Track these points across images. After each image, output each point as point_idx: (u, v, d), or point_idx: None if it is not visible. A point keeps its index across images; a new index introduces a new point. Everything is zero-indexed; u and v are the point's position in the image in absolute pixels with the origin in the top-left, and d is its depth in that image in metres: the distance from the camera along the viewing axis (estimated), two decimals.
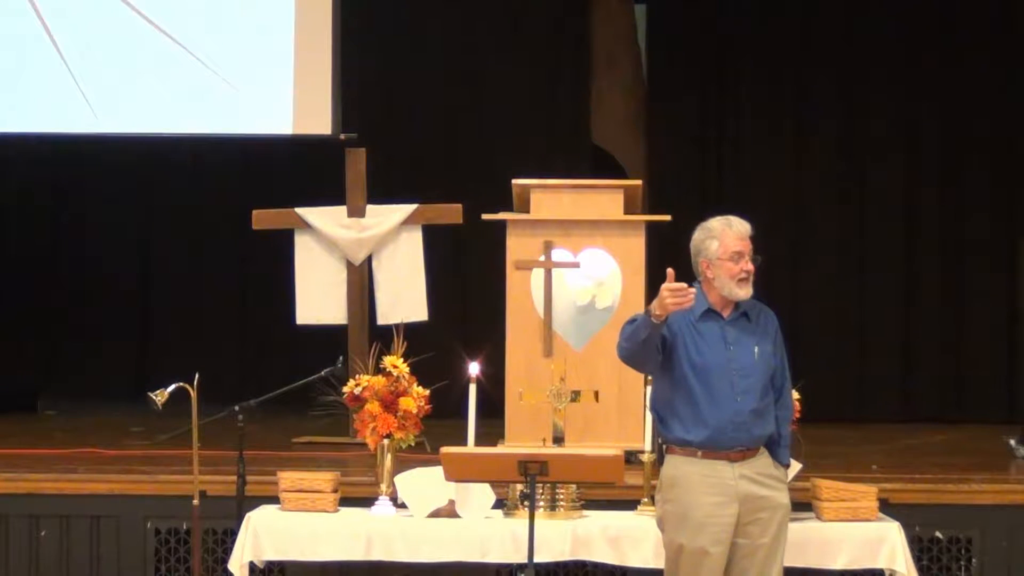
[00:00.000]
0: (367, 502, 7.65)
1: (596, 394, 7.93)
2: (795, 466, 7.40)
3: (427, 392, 7.67)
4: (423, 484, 7.49)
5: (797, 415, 7.52)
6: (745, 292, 6.63)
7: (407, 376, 7.67)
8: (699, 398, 6.61)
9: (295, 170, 11.92)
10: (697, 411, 6.61)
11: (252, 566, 7.48)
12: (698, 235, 6.70)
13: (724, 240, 6.63)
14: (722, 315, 6.67)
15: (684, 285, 6.39)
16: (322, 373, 8.33)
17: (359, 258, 10.19)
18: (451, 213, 10.19)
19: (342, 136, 10.71)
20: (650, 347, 6.49)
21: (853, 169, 12.29)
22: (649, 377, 7.35)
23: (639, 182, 9.08)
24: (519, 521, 7.24)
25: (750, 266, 6.62)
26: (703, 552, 6.60)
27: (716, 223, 6.66)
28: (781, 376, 6.77)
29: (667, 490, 6.72)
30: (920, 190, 12.27)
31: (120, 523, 8.22)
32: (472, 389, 7.50)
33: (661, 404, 6.72)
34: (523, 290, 8.71)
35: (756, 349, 6.65)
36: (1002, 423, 10.94)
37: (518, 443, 8.30)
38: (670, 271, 6.43)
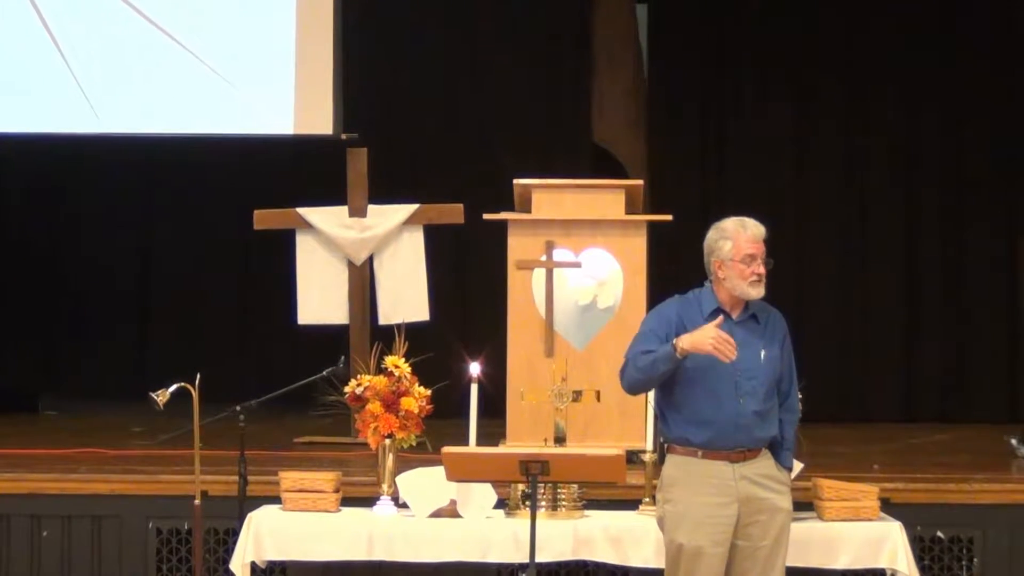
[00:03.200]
0: (369, 502, 7.65)
1: (598, 394, 7.93)
2: (796, 466, 7.39)
3: (428, 392, 7.67)
4: (424, 484, 7.49)
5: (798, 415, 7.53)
6: (757, 292, 6.63)
7: (408, 376, 7.67)
8: (702, 398, 6.61)
9: (296, 170, 11.92)
10: (699, 411, 6.62)
11: (254, 566, 7.48)
12: (712, 235, 6.70)
13: (737, 242, 6.62)
14: (731, 316, 6.66)
15: (731, 340, 6.44)
16: (323, 373, 8.33)
17: (360, 258, 10.19)
18: (452, 213, 10.19)
19: (343, 136, 10.72)
20: (663, 379, 6.58)
21: (853, 169, 12.30)
22: None
23: (640, 182, 9.08)
24: (520, 521, 7.24)
25: (762, 269, 6.62)
26: (702, 552, 6.60)
27: (730, 224, 6.66)
28: (788, 380, 6.75)
29: (667, 489, 6.73)
30: (920, 190, 12.27)
31: (122, 523, 8.22)
32: (473, 389, 7.50)
33: (664, 403, 6.73)
34: (524, 290, 8.71)
35: (763, 352, 6.64)
36: (1003, 423, 10.96)
37: (519, 443, 8.30)
38: (720, 318, 6.53)
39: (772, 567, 6.67)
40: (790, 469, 6.80)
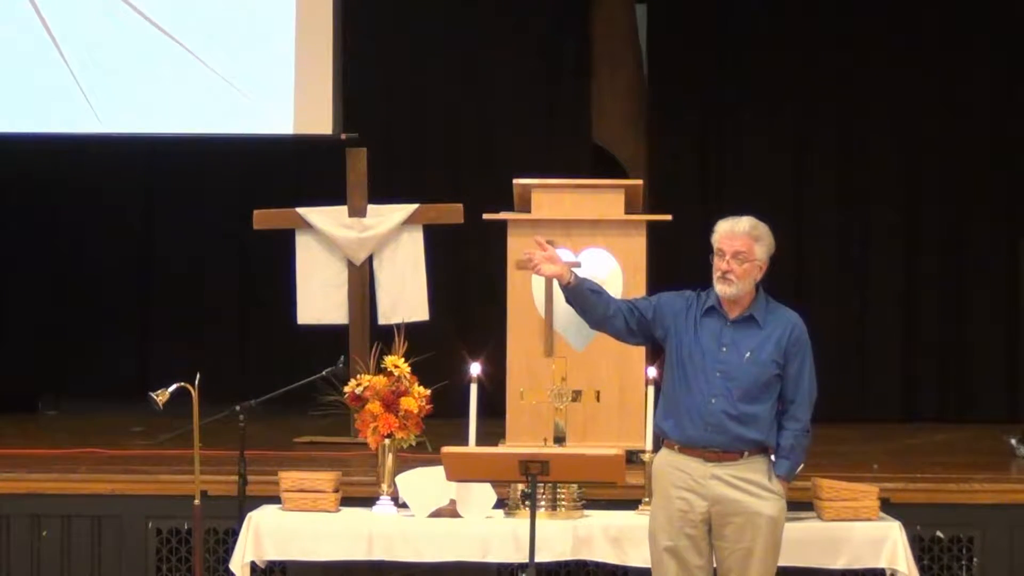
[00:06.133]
0: (368, 502, 7.66)
1: (597, 394, 7.93)
2: None
3: (428, 392, 7.68)
4: (424, 484, 7.50)
5: None
6: (721, 289, 6.69)
7: (408, 376, 7.67)
8: (680, 393, 6.70)
9: (296, 170, 11.92)
10: (676, 405, 6.72)
11: (253, 566, 7.48)
12: None
13: (718, 235, 6.73)
14: (728, 315, 6.69)
15: (541, 247, 6.88)
16: (323, 373, 8.33)
17: (360, 258, 10.19)
18: (452, 213, 10.19)
19: (343, 136, 10.72)
20: (584, 308, 6.81)
21: (853, 169, 12.29)
22: (652, 376, 7.39)
23: (640, 182, 9.07)
24: (520, 521, 7.24)
25: (727, 266, 6.65)
26: (670, 546, 6.69)
27: (724, 219, 6.73)
28: (793, 388, 6.72)
29: (652, 482, 6.90)
30: (920, 190, 12.27)
31: (121, 523, 8.23)
32: (473, 389, 7.51)
33: (661, 394, 6.80)
34: (524, 290, 8.71)
35: (748, 354, 6.65)
36: (1003, 422, 10.95)
37: (519, 443, 8.30)
38: (543, 240, 6.98)
39: (747, 571, 6.66)
40: (783, 477, 6.75)
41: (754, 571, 6.66)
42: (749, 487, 6.65)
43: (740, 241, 6.66)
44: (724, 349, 6.65)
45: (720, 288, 6.68)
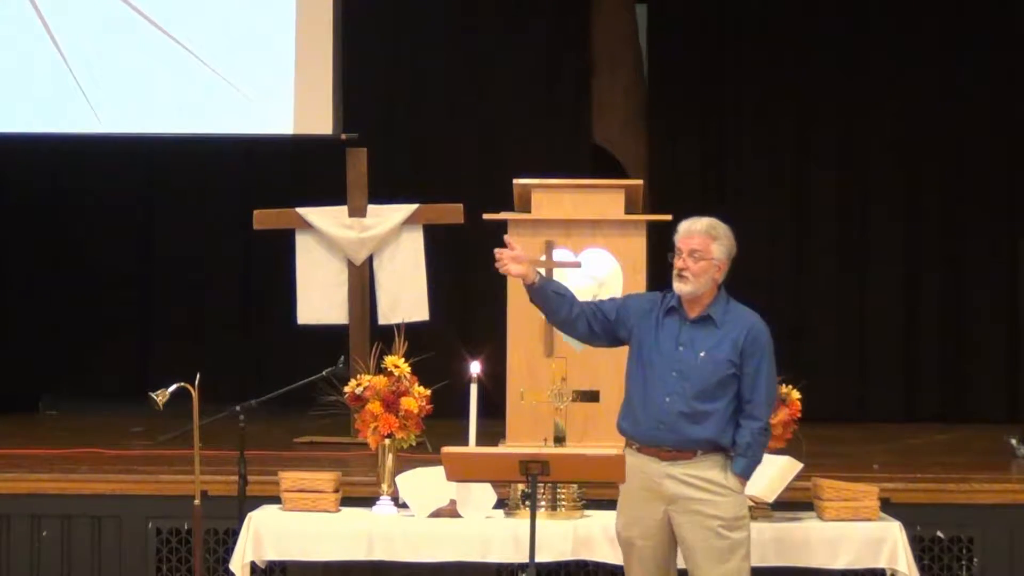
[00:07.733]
0: (368, 502, 7.66)
1: (597, 394, 7.92)
2: (796, 466, 7.41)
3: (428, 392, 7.67)
4: (424, 484, 7.50)
5: (798, 415, 7.54)
6: (676, 287, 6.71)
7: (408, 376, 7.67)
8: (636, 391, 6.74)
9: (296, 170, 11.92)
10: (632, 404, 6.74)
11: (253, 566, 7.48)
12: None
13: (677, 234, 6.78)
14: (687, 314, 6.70)
15: (508, 248, 6.92)
16: (323, 373, 8.32)
17: (360, 258, 10.19)
18: (452, 213, 10.19)
19: (343, 136, 10.72)
20: (548, 309, 6.91)
21: (854, 169, 12.29)
22: None
23: (640, 182, 9.07)
24: (520, 521, 7.24)
25: (681, 263, 6.68)
26: (632, 543, 6.74)
27: (686, 219, 6.80)
28: (750, 388, 6.68)
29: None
30: (920, 190, 12.27)
31: (121, 523, 8.23)
32: (473, 389, 7.50)
33: (624, 395, 6.84)
34: (524, 290, 8.68)
35: (703, 353, 6.65)
36: (1003, 423, 10.96)
37: (519, 443, 8.29)
38: (508, 238, 7.03)
39: (706, 569, 6.63)
40: (740, 475, 6.71)
41: (719, 571, 6.64)
42: (704, 484, 6.64)
43: (696, 240, 6.70)
44: (681, 348, 6.67)
45: (676, 286, 6.71)
